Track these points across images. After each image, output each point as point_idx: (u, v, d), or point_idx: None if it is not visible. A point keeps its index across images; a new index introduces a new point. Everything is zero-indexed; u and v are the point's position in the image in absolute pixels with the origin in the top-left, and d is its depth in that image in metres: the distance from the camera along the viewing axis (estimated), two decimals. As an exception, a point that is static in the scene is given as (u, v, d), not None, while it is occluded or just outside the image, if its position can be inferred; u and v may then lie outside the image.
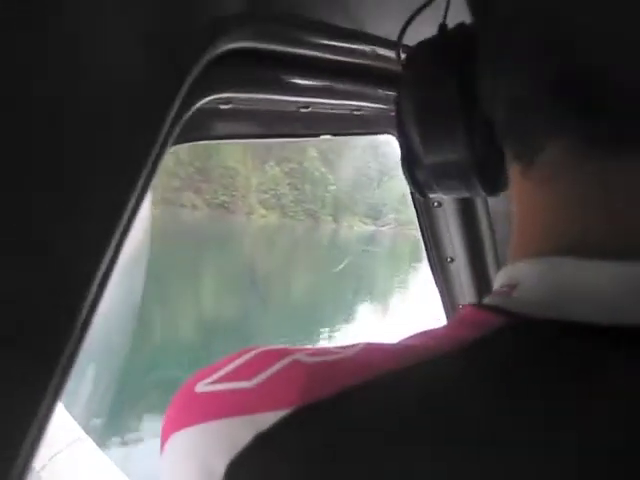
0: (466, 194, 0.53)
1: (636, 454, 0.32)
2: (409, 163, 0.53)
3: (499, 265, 1.38)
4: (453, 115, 0.49)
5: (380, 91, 0.90)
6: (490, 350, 0.38)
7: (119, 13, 0.46)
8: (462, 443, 0.34)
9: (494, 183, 0.51)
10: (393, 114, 1.13)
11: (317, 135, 0.90)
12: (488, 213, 1.33)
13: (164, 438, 0.41)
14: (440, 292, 1.46)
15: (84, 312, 0.49)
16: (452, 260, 1.44)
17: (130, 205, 0.49)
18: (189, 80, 0.50)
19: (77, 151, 0.46)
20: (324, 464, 0.35)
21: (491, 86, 0.44)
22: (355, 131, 1.03)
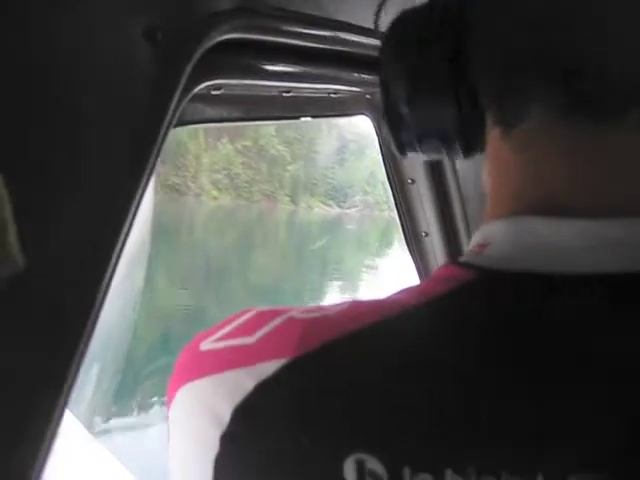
0: (443, 154, 0.54)
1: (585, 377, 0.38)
2: (394, 123, 0.54)
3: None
4: (441, 78, 0.50)
5: (355, 75, 0.97)
6: (461, 301, 0.42)
7: (126, 12, 0.52)
8: (435, 382, 0.39)
9: (473, 145, 0.53)
10: (368, 96, 1.21)
11: (297, 117, 0.97)
12: (459, 189, 1.41)
13: (171, 393, 0.46)
14: (416, 266, 1.53)
15: (96, 305, 0.53)
16: (427, 234, 1.51)
17: (140, 186, 0.55)
18: (188, 68, 0.57)
19: (92, 135, 0.52)
20: (314, 406, 0.40)
21: (480, 54, 0.47)
22: (332, 113, 1.10)
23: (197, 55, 0.57)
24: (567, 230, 0.42)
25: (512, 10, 0.45)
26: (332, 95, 1.02)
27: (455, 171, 1.37)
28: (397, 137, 0.54)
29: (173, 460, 0.46)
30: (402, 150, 0.55)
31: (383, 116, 0.54)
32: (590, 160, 0.43)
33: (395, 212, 1.46)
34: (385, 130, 0.55)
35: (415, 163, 1.35)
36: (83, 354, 0.53)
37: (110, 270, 0.54)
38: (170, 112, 0.56)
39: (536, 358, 0.39)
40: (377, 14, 0.75)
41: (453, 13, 0.50)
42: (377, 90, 1.15)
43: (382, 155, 1.34)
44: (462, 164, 1.37)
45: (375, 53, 0.95)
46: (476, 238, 0.47)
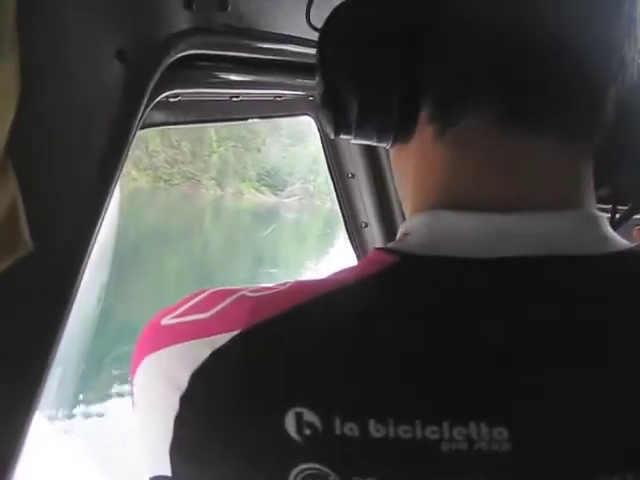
0: (373, 141, 0.56)
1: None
2: (334, 105, 0.55)
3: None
4: (390, 66, 0.52)
5: (298, 80, 1.07)
6: (386, 280, 0.48)
7: (99, 35, 0.61)
8: (362, 346, 0.45)
9: (403, 137, 0.54)
10: (310, 98, 1.30)
11: (246, 119, 1.06)
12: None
13: (135, 364, 0.50)
14: (356, 254, 1.63)
15: (70, 302, 0.60)
16: (366, 225, 1.61)
17: (113, 182, 0.64)
18: (152, 82, 0.66)
19: (71, 137, 0.61)
20: (259, 370, 0.45)
21: (431, 52, 0.51)
22: (278, 114, 1.20)
23: (160, 70, 0.67)
24: (471, 222, 0.48)
25: (465, 14, 0.50)
26: (277, 98, 1.12)
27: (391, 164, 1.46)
28: (335, 118, 0.55)
29: (136, 424, 0.51)
30: (337, 132, 0.56)
31: (322, 98, 0.56)
32: (510, 164, 0.49)
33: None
34: (323, 113, 0.56)
35: (355, 158, 1.46)
36: (55, 353, 0.59)
37: (83, 267, 0.61)
38: (137, 119, 0.66)
39: (439, 327, 0.45)
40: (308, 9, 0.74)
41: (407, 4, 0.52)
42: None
43: (324, 151, 1.44)
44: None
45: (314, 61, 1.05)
46: (401, 228, 0.53)
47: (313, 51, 0.99)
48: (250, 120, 1.07)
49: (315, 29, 0.61)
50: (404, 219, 1.48)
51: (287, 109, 1.21)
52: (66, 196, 0.60)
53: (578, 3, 0.48)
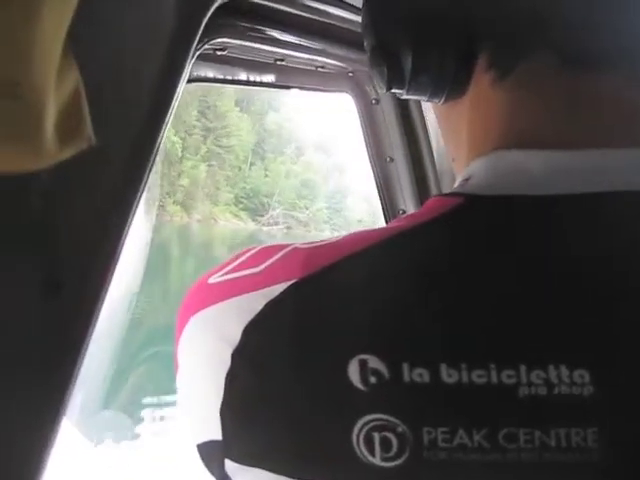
0: (426, 96, 0.55)
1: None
2: (386, 56, 0.54)
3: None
4: (445, 18, 0.51)
5: (340, 49, 1.06)
6: (450, 222, 0.46)
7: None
8: (430, 289, 0.42)
9: (458, 89, 0.54)
10: (350, 74, 1.30)
11: (288, 87, 1.06)
12: (434, 166, 1.50)
13: (180, 326, 0.47)
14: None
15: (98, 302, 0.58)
16: (404, 212, 1.59)
17: (158, 140, 0.62)
18: (203, 23, 0.66)
19: (121, 73, 0.60)
20: (318, 318, 0.42)
21: (489, 3, 0.50)
22: (318, 87, 1.19)
23: (212, 9, 0.66)
24: (537, 158, 0.46)
25: None
26: (319, 69, 1.11)
27: (430, 148, 1.46)
28: (389, 72, 0.54)
29: (183, 388, 0.49)
30: (390, 85, 0.55)
31: (374, 50, 0.55)
32: (575, 102, 0.48)
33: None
34: (375, 66, 0.55)
35: (394, 141, 1.45)
36: (82, 361, 0.57)
37: (127, 228, 0.60)
38: (187, 61, 0.65)
39: (511, 267, 0.43)
40: None
41: None
42: (359, 68, 1.25)
43: (363, 132, 1.43)
44: (438, 143, 1.46)
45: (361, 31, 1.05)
46: (460, 177, 0.51)
47: (358, 18, 1.01)
48: (292, 89, 1.06)
49: None
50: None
51: (327, 83, 1.20)
52: (121, 120, 0.59)
53: None
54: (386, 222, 1.61)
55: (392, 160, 1.49)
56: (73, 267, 0.56)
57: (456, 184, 0.51)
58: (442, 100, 0.55)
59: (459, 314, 0.41)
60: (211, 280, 0.47)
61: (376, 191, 1.55)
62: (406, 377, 0.39)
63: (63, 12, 0.39)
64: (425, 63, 0.53)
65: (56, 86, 0.39)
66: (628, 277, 0.42)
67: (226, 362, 0.43)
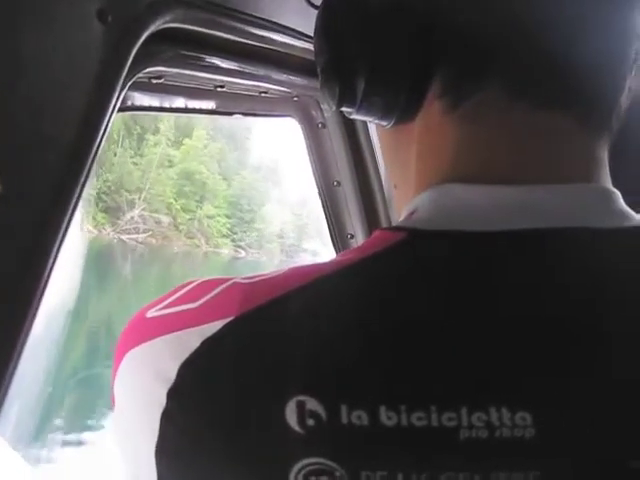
0: (376, 117, 0.54)
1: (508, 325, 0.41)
2: (339, 74, 0.53)
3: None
4: (403, 37, 0.50)
5: (284, 75, 1.04)
6: (394, 256, 0.45)
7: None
8: (365, 326, 0.41)
9: (409, 113, 0.52)
10: (295, 98, 1.27)
11: (230, 114, 1.02)
12: (382, 189, 1.48)
13: (117, 360, 0.45)
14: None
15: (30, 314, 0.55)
16: (352, 236, 1.57)
17: (84, 170, 0.58)
18: (134, 50, 0.62)
19: (42, 104, 0.56)
20: (255, 357, 0.41)
21: (446, 23, 0.49)
22: (261, 112, 1.16)
23: (142, 38, 0.63)
24: (481, 194, 0.46)
25: None
26: (262, 94, 1.08)
27: (378, 173, 1.44)
28: (340, 90, 0.53)
29: (118, 427, 0.47)
30: (340, 103, 0.54)
31: (326, 66, 0.53)
32: (522, 138, 0.47)
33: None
34: (326, 83, 0.54)
35: (341, 165, 1.43)
36: (16, 365, 0.55)
37: (49, 266, 0.56)
38: (116, 93, 0.61)
39: (450, 306, 0.42)
40: None
41: None
42: (304, 93, 1.23)
43: (310, 157, 1.40)
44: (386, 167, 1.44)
45: (305, 56, 1.03)
46: (405, 209, 0.50)
47: (302, 44, 0.98)
48: (234, 116, 1.03)
49: (313, 6, 0.59)
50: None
51: (271, 108, 1.17)
52: (33, 182, 0.54)
53: None
54: (334, 246, 1.60)
55: (339, 184, 1.47)
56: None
57: (403, 215, 0.51)
58: (391, 123, 0.53)
59: (399, 353, 0.40)
60: (149, 314, 0.46)
61: (323, 215, 1.54)
62: (344, 419, 0.38)
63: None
64: (379, 83, 0.51)
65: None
66: (569, 315, 0.42)
67: (161, 402, 0.42)
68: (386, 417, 0.38)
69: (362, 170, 1.46)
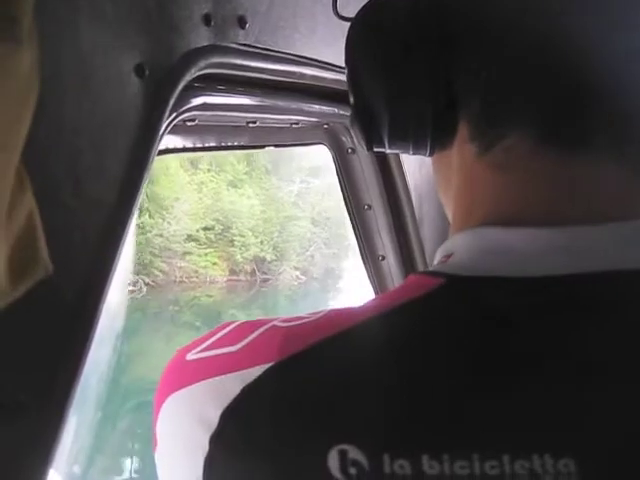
0: (409, 152, 0.54)
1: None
2: (364, 117, 0.54)
3: (426, 262, 1.53)
4: (425, 80, 0.50)
5: (314, 106, 1.04)
6: (434, 303, 0.45)
7: (119, 50, 0.58)
8: (410, 376, 0.41)
9: (442, 147, 0.53)
10: (325, 126, 1.28)
11: (262, 147, 1.03)
12: (413, 213, 1.48)
13: (158, 404, 0.46)
14: (374, 288, 1.57)
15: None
16: (383, 258, 1.57)
17: (132, 210, 0.59)
18: (172, 100, 0.63)
19: (85, 158, 0.57)
20: (296, 405, 0.41)
21: (467, 65, 0.48)
22: (293, 142, 1.17)
23: (179, 87, 0.64)
24: (519, 236, 0.45)
25: (502, 23, 0.47)
26: (293, 125, 1.09)
27: (409, 195, 1.44)
28: (367, 132, 0.54)
29: (161, 467, 0.48)
30: (369, 145, 0.55)
31: (353, 109, 0.54)
32: (556, 183, 0.47)
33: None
34: (354, 125, 0.55)
35: (371, 189, 1.43)
36: (75, 394, 0.55)
37: (103, 298, 0.57)
38: (157, 138, 0.62)
39: (496, 353, 0.42)
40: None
41: (438, 13, 0.50)
42: (334, 120, 1.23)
43: (340, 181, 1.41)
44: (416, 188, 1.45)
45: (334, 86, 1.04)
46: (440, 252, 0.50)
47: (332, 75, 0.99)
48: (266, 148, 1.04)
49: (344, 19, 0.60)
50: (422, 251, 1.42)
51: (302, 137, 1.18)
52: (85, 218, 0.55)
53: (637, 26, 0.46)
54: (365, 267, 1.59)
55: (370, 207, 1.48)
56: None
57: (437, 258, 0.50)
58: (427, 154, 0.55)
59: (441, 402, 0.40)
60: (189, 356, 0.46)
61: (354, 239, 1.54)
62: (387, 468, 0.38)
63: (15, 135, 0.36)
64: (400, 132, 0.53)
65: (7, 220, 0.36)
66: (616, 361, 0.41)
67: (204, 447, 0.42)
68: (428, 466, 0.38)
69: (392, 193, 1.47)
